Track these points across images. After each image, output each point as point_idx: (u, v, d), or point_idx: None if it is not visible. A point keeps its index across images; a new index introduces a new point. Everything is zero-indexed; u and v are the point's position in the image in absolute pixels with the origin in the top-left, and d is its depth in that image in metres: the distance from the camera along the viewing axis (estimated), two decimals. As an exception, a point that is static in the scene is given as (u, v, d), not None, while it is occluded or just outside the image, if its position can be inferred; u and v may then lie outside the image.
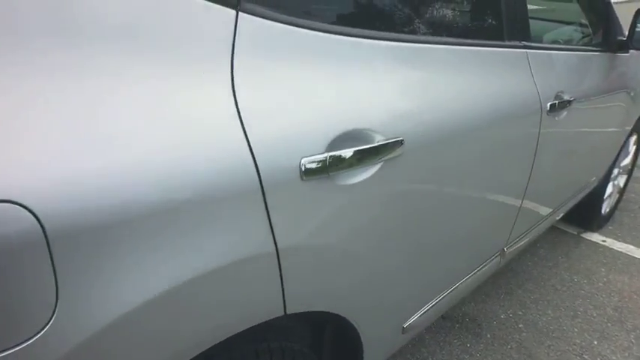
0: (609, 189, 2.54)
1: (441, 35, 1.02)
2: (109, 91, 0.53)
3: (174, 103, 0.57)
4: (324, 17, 0.78)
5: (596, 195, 2.42)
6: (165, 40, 0.58)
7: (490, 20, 1.21)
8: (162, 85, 0.57)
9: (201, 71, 0.60)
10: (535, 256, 2.41)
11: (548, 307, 2.01)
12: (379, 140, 0.79)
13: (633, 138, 2.55)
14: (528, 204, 1.47)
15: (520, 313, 1.97)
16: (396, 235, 0.92)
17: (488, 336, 1.83)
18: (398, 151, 0.82)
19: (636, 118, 2.29)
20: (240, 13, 0.64)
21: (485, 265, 1.41)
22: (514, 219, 1.43)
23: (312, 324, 1.00)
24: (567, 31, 1.96)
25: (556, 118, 1.40)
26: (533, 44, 1.31)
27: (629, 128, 2.26)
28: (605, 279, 2.22)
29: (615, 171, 2.51)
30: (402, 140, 0.82)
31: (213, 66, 0.61)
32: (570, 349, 1.76)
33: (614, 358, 1.71)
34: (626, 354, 1.73)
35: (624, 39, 1.84)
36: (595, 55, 1.79)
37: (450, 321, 1.91)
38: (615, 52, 1.88)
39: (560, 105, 1.39)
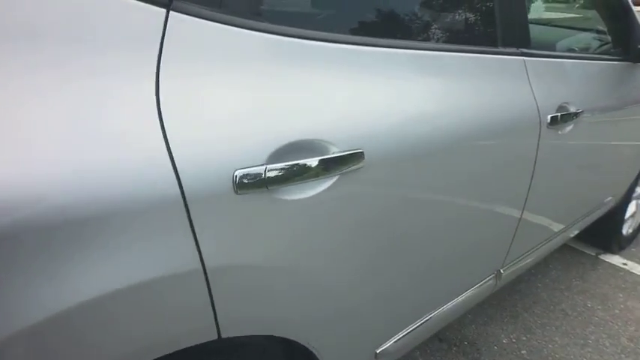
0: (632, 208, 2.39)
1: (416, 38, 0.95)
2: (16, 92, 0.49)
3: (91, 106, 0.53)
4: (273, 17, 0.73)
5: (616, 215, 2.27)
6: (84, 39, 0.54)
7: (482, 25, 1.13)
8: (76, 87, 0.52)
9: (124, 73, 0.56)
10: (546, 277, 2.28)
11: (556, 333, 1.88)
12: (334, 152, 0.72)
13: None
14: (527, 223, 1.36)
15: (524, 338, 1.85)
16: (359, 255, 0.84)
17: (487, 362, 1.72)
18: (358, 164, 0.75)
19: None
20: (171, 12, 0.60)
21: (476, 288, 1.31)
22: (510, 239, 1.33)
23: (285, 344, 0.93)
24: (584, 38, 1.84)
25: (559, 132, 1.30)
26: (532, 51, 1.22)
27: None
28: (622, 305, 2.07)
29: (639, 190, 2.36)
30: (361, 152, 0.75)
31: (136, 67, 0.57)
32: (576, 381, 1.64)
33: (623, 393, 1.58)
34: (638, 390, 1.60)
35: (646, 48, 1.72)
36: (613, 65, 1.68)
37: (447, 343, 1.81)
38: (635, 62, 1.76)
39: (564, 118, 1.29)
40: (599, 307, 2.06)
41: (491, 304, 2.05)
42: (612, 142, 1.75)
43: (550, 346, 1.81)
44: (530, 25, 1.26)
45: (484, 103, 1.06)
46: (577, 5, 2.58)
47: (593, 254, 2.49)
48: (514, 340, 1.83)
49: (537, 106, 1.19)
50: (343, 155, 0.73)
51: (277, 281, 0.72)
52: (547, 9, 2.56)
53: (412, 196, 0.91)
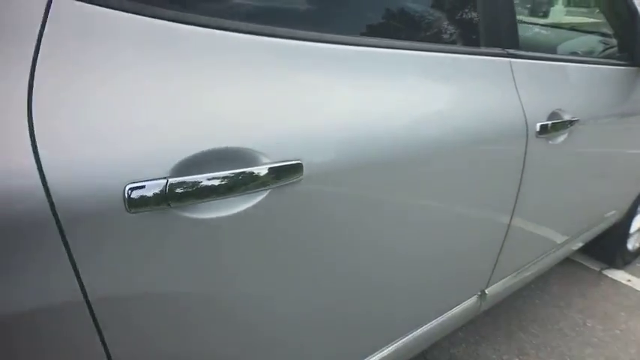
0: (637, 222, 2.25)
1: (376, 33, 0.85)
2: None
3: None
4: (182, 4, 0.63)
5: (621, 229, 2.13)
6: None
7: (462, 22, 1.03)
8: None
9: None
10: (546, 293, 2.15)
11: (552, 355, 1.75)
12: (266, 163, 0.62)
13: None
14: (514, 241, 1.25)
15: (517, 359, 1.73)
16: (297, 280, 0.74)
17: (475, 385, 1.61)
18: (294, 177, 0.65)
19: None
20: (55, -7, 0.50)
21: (457, 309, 1.20)
22: (495, 257, 1.22)
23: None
24: (588, 41, 1.72)
25: (550, 142, 1.18)
26: (522, 53, 1.11)
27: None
28: (624, 325, 1.94)
29: (645, 202, 2.22)
30: (299, 164, 0.65)
31: (9, 59, 0.48)
32: (569, 409, 1.52)
33: None
34: (637, 422, 1.47)
35: (653, 52, 1.59)
36: (618, 70, 1.55)
37: (434, 363, 1.70)
38: (642, 67, 1.63)
39: (555, 126, 1.17)
40: (599, 326, 1.93)
41: (485, 321, 1.93)
42: (614, 153, 1.62)
43: (544, 369, 1.69)
44: (529, 26, 1.15)
45: (461, 108, 0.96)
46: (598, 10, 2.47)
47: (597, 269, 2.35)
48: (506, 362, 1.71)
49: (524, 113, 1.08)
50: (276, 167, 0.63)
51: (186, 312, 0.62)
52: (568, 13, 2.44)
53: (370, 212, 0.81)
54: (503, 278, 1.32)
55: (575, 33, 1.80)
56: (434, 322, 1.14)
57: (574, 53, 1.61)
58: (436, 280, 1.10)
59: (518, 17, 1.15)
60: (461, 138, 0.95)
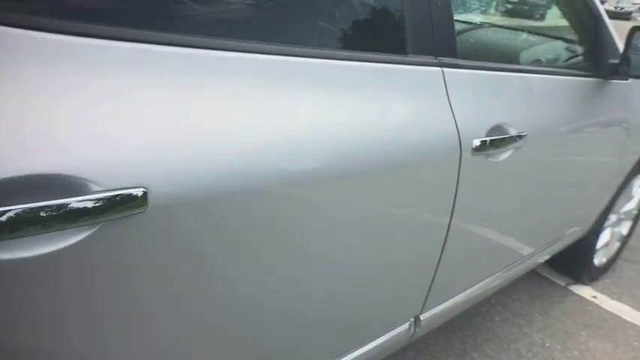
0: (605, 237, 2.17)
1: (260, 37, 0.74)
2: None
3: None
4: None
5: (586, 244, 2.05)
6: None
7: (385, 27, 0.93)
8: None
9: None
10: (507, 309, 2.07)
11: (504, 378, 1.67)
12: (97, 191, 0.52)
13: (639, 181, 2.16)
14: (451, 264, 1.16)
15: (467, 382, 1.64)
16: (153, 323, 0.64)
17: (419, 410, 1.52)
18: (137, 209, 0.55)
19: (638, 157, 1.92)
20: None
21: (382, 338, 1.10)
22: (429, 281, 1.13)
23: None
24: (552, 48, 1.63)
25: (490, 159, 1.09)
26: (457, 61, 1.02)
27: (627, 169, 1.89)
28: (583, 346, 1.86)
29: (613, 217, 2.14)
30: (143, 193, 0.55)
31: None
32: None
33: None
34: None
35: (617, 62, 1.50)
36: (580, 81, 1.46)
37: (378, 385, 1.60)
38: (607, 79, 1.54)
39: (496, 143, 1.08)
40: (558, 346, 1.85)
41: (437, 339, 1.84)
42: (573, 170, 1.53)
43: (494, 393, 1.60)
44: (476, 32, 1.06)
45: (381, 124, 0.86)
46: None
47: (563, 284, 2.27)
48: (455, 385, 1.63)
49: (457, 128, 0.98)
50: (108, 196, 0.53)
51: None
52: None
53: (262, 242, 0.71)
54: (441, 303, 1.23)
55: (542, 39, 1.70)
56: (356, 353, 1.05)
57: (536, 61, 1.52)
58: (358, 307, 1.01)
59: (476, 21, 1.06)
60: (382, 156, 0.86)
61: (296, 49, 0.76)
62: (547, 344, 1.86)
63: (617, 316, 2.07)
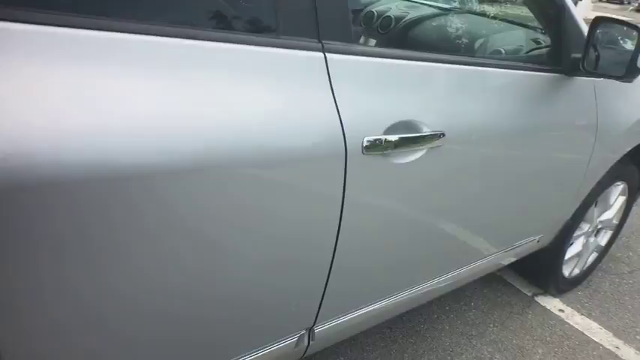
0: (576, 248, 2.00)
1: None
2: None
3: None
4: None
5: (552, 253, 1.89)
6: None
7: (250, 3, 0.80)
8: None
9: None
10: (460, 318, 1.93)
11: (438, 393, 1.55)
12: None
13: (619, 188, 1.99)
14: (348, 274, 1.04)
15: (395, 397, 1.53)
16: None
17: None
18: None
19: (613, 163, 1.74)
20: None
21: (267, 348, 1.00)
22: (320, 291, 1.01)
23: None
24: (501, 38, 1.46)
25: (392, 160, 0.96)
26: (351, 47, 0.88)
27: (597, 176, 1.72)
28: (535, 365, 1.72)
29: (585, 226, 1.97)
30: None
31: None
32: None
33: None
34: None
35: (579, 57, 1.33)
36: (532, 76, 1.31)
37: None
38: (569, 75, 1.38)
39: (399, 142, 0.94)
40: (507, 363, 1.72)
41: (376, 346, 1.73)
42: (521, 175, 1.38)
43: (423, 410, 1.49)
44: (407, 15, 0.92)
45: (243, 119, 0.75)
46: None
47: (530, 294, 2.13)
48: (381, 398, 1.52)
49: (341, 124, 0.86)
50: None
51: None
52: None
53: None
54: (338, 316, 1.11)
55: (497, 26, 1.53)
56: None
57: (479, 51, 1.36)
58: (244, 310, 0.91)
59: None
60: (245, 156, 0.75)
61: (131, 25, 0.65)
62: (496, 359, 1.73)
63: (582, 333, 1.92)
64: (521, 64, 1.30)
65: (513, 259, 1.70)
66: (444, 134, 1.03)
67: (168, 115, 0.67)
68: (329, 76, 0.85)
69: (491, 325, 1.91)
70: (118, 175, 0.62)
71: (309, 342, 1.08)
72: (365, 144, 0.89)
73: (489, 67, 1.18)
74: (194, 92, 0.70)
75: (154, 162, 0.65)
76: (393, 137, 0.93)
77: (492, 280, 2.19)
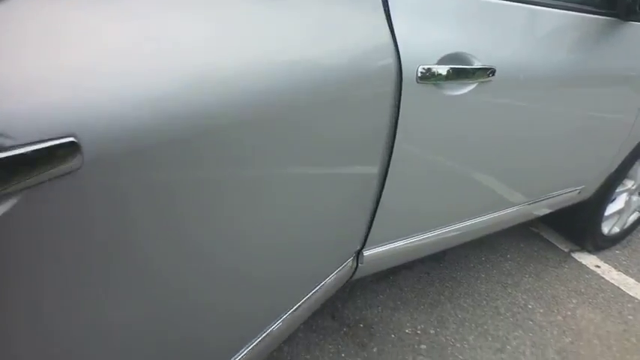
0: (618, 204, 2.01)
1: None
2: None
3: None
4: None
5: (591, 208, 1.91)
6: None
7: None
8: None
9: None
10: (496, 268, 1.99)
11: (473, 332, 1.63)
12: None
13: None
14: (396, 203, 1.11)
15: (432, 331, 1.62)
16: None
17: (375, 350, 1.52)
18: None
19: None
20: None
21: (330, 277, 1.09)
22: (369, 213, 1.08)
23: None
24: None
25: (444, 92, 1.00)
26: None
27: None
28: (569, 312, 1.77)
29: (629, 183, 1.96)
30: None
31: None
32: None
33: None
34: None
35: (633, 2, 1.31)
36: (583, 18, 1.30)
37: (340, 322, 1.62)
38: (625, 19, 1.36)
39: (452, 73, 0.99)
40: (540, 310, 1.77)
41: (414, 288, 1.81)
42: (567, 122, 1.39)
43: (458, 345, 1.58)
44: None
45: (295, 45, 0.78)
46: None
47: (566, 250, 2.15)
48: (419, 332, 1.61)
49: (397, 50, 0.90)
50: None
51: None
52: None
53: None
54: (386, 243, 1.19)
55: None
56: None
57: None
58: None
59: None
60: (301, 77, 0.79)
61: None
62: (530, 306, 1.79)
63: (617, 287, 1.94)
64: (575, 4, 1.29)
65: (554, 209, 1.72)
66: (494, 70, 1.06)
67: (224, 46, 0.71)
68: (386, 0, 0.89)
69: (527, 276, 1.96)
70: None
71: (357, 264, 1.17)
72: (419, 73, 0.94)
73: (542, 6, 1.19)
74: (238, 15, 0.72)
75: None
76: (446, 68, 0.98)
77: (529, 235, 2.23)
